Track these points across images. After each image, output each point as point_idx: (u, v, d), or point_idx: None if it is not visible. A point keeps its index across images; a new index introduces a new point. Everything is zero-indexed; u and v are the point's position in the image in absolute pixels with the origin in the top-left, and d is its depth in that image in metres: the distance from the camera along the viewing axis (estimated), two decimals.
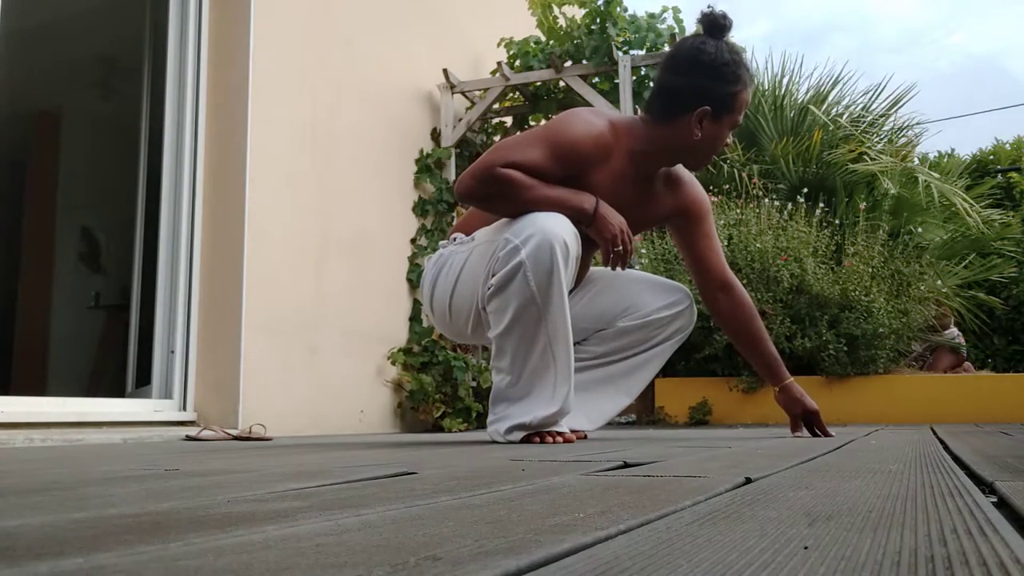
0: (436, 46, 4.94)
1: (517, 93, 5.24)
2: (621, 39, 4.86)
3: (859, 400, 4.15)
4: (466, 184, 1.98)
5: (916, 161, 5.25)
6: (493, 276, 1.94)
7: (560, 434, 1.98)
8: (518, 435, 1.97)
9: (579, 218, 1.96)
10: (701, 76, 2.04)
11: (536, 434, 1.96)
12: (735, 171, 4.70)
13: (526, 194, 1.93)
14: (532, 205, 1.93)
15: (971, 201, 4.96)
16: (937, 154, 7.57)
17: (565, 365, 1.96)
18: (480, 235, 2.09)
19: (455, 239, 2.18)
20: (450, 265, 2.12)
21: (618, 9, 4.86)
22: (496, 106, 5.16)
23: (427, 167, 4.68)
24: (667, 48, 4.85)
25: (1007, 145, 8.53)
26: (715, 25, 2.06)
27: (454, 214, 4.72)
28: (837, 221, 4.49)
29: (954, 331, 5.12)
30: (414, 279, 4.44)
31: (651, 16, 4.95)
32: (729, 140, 2.13)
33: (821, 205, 4.38)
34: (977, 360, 6.85)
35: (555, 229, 1.90)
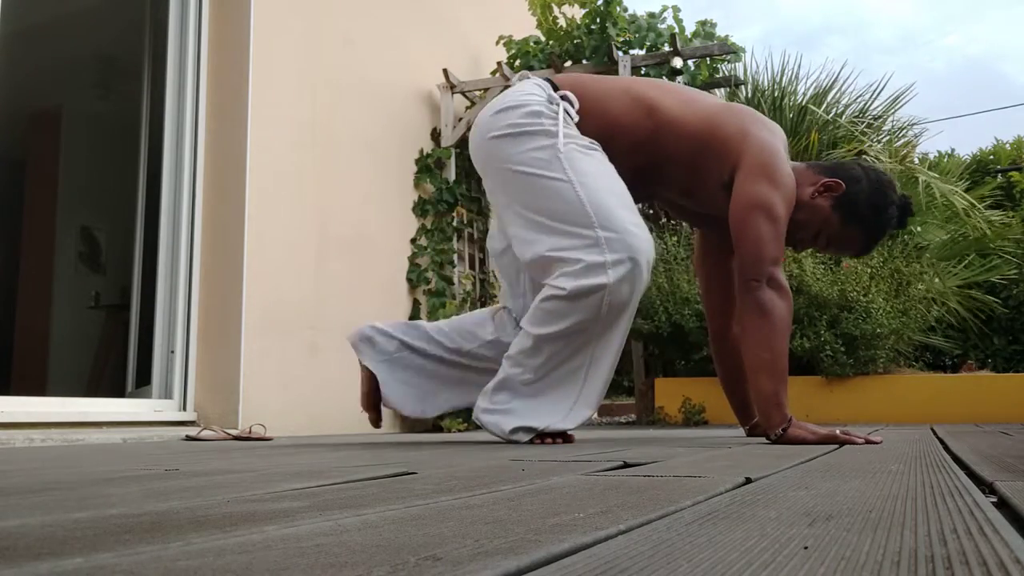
0: (436, 46, 4.94)
1: None
2: (621, 39, 4.86)
3: (859, 400, 4.15)
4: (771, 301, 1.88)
5: (916, 161, 5.25)
6: (565, 278, 1.84)
7: (561, 435, 1.97)
8: (525, 436, 1.92)
9: (768, 424, 1.86)
10: (874, 209, 2.02)
11: (538, 435, 1.94)
12: None
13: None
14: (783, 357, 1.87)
15: (972, 201, 4.96)
16: (937, 154, 7.57)
17: (594, 392, 1.92)
18: (585, 168, 1.88)
19: (564, 101, 1.95)
20: (545, 155, 1.89)
21: (618, 9, 4.86)
22: None
23: (427, 167, 4.68)
24: (667, 48, 4.85)
25: (1007, 145, 8.52)
26: (905, 212, 2.08)
27: (454, 214, 4.72)
28: None
29: None
30: (414, 279, 4.44)
31: (651, 16, 4.95)
32: (803, 250, 2.05)
33: None
34: (977, 360, 6.85)
35: (646, 254, 1.86)
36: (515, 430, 1.92)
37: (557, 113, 1.93)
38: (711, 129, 1.98)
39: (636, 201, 2.18)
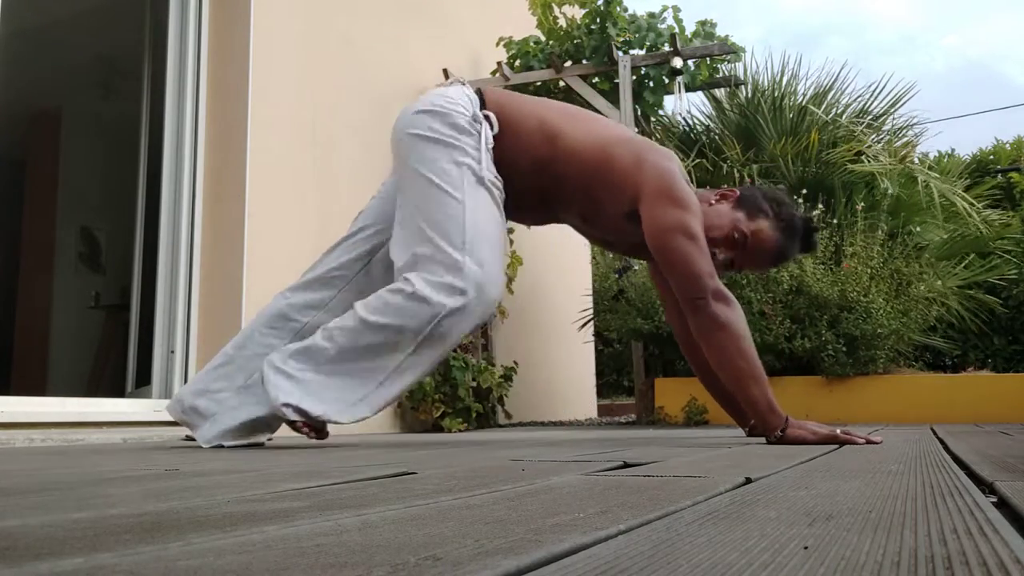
0: (436, 46, 4.94)
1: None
2: (621, 39, 4.86)
3: (859, 400, 4.15)
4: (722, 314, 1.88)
5: (916, 161, 5.24)
6: (421, 280, 1.86)
7: (320, 428, 1.93)
8: (292, 416, 1.88)
9: (766, 428, 1.85)
10: (775, 202, 2.06)
11: (304, 423, 1.90)
12: (734, 170, 4.70)
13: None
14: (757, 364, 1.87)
15: (971, 201, 4.96)
16: (937, 154, 7.58)
17: (383, 398, 1.90)
18: (481, 200, 1.93)
19: (473, 107, 2.00)
20: (454, 171, 1.93)
21: (618, 9, 4.86)
22: None
23: None
24: (667, 48, 4.85)
25: (1007, 145, 8.53)
26: (810, 235, 2.10)
27: None
28: (836, 221, 4.49)
29: None
30: None
31: (651, 16, 4.95)
32: (719, 255, 2.02)
33: (820, 206, 4.38)
34: (977, 360, 6.85)
35: (491, 303, 1.90)
36: (287, 405, 1.87)
37: (479, 133, 1.97)
38: (606, 160, 1.99)
39: (543, 222, 2.27)
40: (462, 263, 1.85)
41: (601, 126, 2.11)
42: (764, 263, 2.11)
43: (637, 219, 1.96)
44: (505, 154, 2.01)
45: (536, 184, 2.04)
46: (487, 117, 1.99)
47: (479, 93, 2.06)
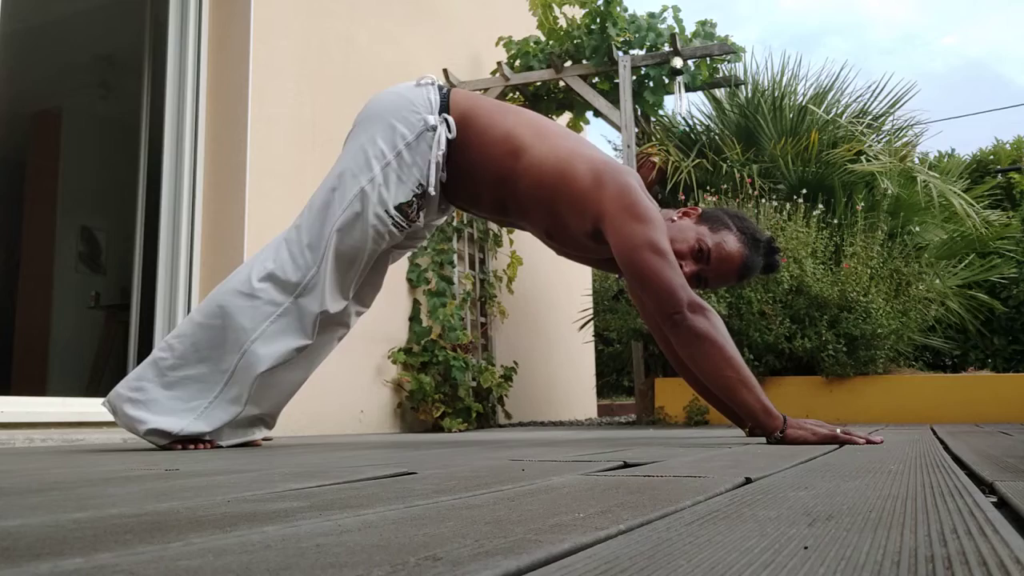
0: (436, 46, 4.94)
1: (517, 93, 5.24)
2: (621, 39, 4.86)
3: (859, 400, 4.15)
4: (699, 326, 1.84)
5: (916, 161, 5.24)
6: (263, 279, 1.91)
7: (205, 442, 1.92)
8: (160, 441, 1.89)
9: (766, 430, 1.83)
10: (736, 218, 2.08)
11: (178, 441, 1.89)
12: (734, 171, 4.69)
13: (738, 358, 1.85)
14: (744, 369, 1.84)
15: (970, 201, 4.95)
16: (937, 154, 7.57)
17: (235, 400, 1.90)
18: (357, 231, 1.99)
19: (432, 109, 2.02)
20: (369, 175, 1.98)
21: (618, 9, 4.86)
22: None
23: None
24: (667, 48, 4.85)
25: (1007, 145, 8.52)
26: (771, 254, 2.11)
27: (453, 214, 4.72)
28: (836, 221, 4.49)
29: None
30: (414, 279, 4.44)
31: (651, 16, 4.95)
32: (685, 269, 1.97)
33: (820, 206, 4.38)
34: (977, 360, 6.85)
35: (317, 312, 1.94)
36: (150, 432, 1.88)
37: (419, 146, 1.98)
38: (564, 178, 1.97)
39: (506, 225, 2.27)
40: (313, 272, 1.94)
41: (566, 143, 2.07)
42: (730, 277, 2.06)
43: (602, 238, 1.95)
44: (467, 158, 2.01)
45: (496, 194, 2.05)
46: (445, 121, 1.99)
47: (446, 97, 2.05)
